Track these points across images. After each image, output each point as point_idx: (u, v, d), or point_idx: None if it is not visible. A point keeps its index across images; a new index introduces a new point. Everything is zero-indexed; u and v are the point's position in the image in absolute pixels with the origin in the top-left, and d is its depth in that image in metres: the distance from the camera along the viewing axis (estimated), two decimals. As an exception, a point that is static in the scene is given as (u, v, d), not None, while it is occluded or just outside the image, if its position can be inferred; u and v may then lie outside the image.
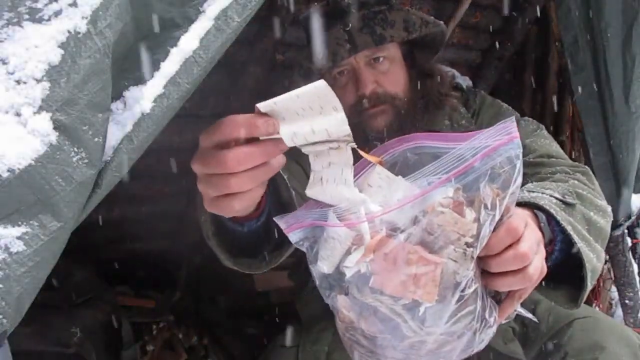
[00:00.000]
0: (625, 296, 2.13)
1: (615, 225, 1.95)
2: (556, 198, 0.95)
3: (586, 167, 1.22)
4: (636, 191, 1.90)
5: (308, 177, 0.76)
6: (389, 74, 1.27)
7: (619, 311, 2.32)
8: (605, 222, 1.05)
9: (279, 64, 2.07)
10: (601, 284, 2.60)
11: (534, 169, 1.20)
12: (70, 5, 0.59)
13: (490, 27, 2.63)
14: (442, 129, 1.31)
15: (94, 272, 1.81)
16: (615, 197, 1.86)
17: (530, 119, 1.36)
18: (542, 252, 0.79)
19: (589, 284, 0.91)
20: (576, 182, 1.10)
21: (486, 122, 1.33)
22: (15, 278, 0.57)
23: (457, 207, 0.69)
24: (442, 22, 1.30)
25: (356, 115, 1.24)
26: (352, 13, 1.21)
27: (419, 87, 1.31)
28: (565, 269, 0.91)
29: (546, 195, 0.95)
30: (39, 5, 0.59)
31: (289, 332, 1.37)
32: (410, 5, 2.21)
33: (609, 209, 1.10)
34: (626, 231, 2.01)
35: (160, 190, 2.17)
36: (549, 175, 1.15)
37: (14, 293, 0.57)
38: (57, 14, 0.59)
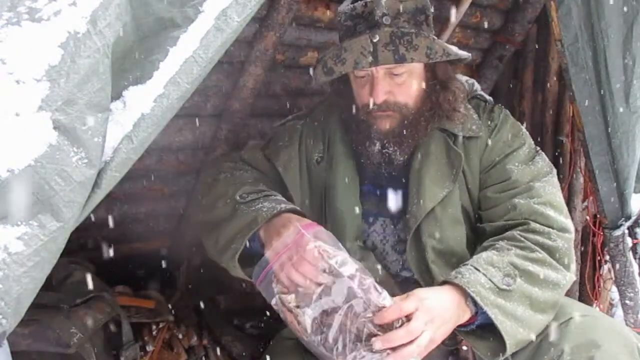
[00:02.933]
0: (625, 296, 2.13)
1: (615, 226, 1.95)
2: (493, 282, 1.17)
3: (572, 231, 1.32)
4: (636, 191, 1.90)
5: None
6: (404, 85, 1.32)
7: (619, 311, 2.32)
8: (553, 293, 1.22)
9: (278, 64, 2.07)
10: (601, 284, 2.61)
11: (530, 215, 1.29)
12: (69, 5, 0.59)
13: (491, 27, 2.63)
14: (455, 130, 1.39)
15: (94, 272, 1.80)
16: (615, 197, 1.86)
17: (546, 158, 1.41)
18: (435, 328, 1.10)
19: (509, 350, 1.15)
20: (541, 255, 1.24)
21: (504, 139, 1.40)
22: (14, 278, 0.57)
23: None
24: (464, 54, 1.35)
25: (365, 113, 1.35)
26: (382, 26, 1.26)
27: (430, 98, 1.37)
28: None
29: (486, 277, 1.17)
30: (39, 5, 0.59)
31: None
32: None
33: (566, 278, 1.25)
34: (626, 231, 2.01)
35: (160, 190, 2.16)
36: (527, 233, 1.27)
37: (14, 293, 0.57)
38: (57, 14, 0.59)
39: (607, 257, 2.28)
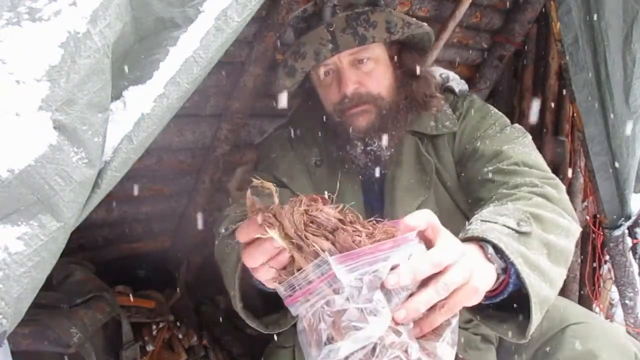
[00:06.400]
0: (625, 296, 2.13)
1: (615, 226, 1.95)
2: (509, 227, 0.92)
3: (557, 179, 1.19)
4: (636, 191, 1.90)
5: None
6: (372, 74, 1.27)
7: (619, 311, 2.32)
8: (567, 242, 1.01)
9: (278, 64, 2.07)
10: (601, 284, 2.61)
11: (505, 177, 1.16)
12: (69, 5, 0.59)
13: (491, 27, 2.63)
14: (427, 129, 1.32)
15: (94, 272, 1.81)
16: (615, 197, 1.86)
17: (519, 126, 1.31)
18: (468, 267, 0.75)
19: (534, 316, 0.87)
20: (540, 199, 1.06)
21: (471, 125, 1.31)
22: (14, 278, 0.57)
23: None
24: (425, 24, 1.29)
25: (339, 114, 1.27)
26: (337, 14, 1.24)
27: (404, 88, 1.32)
28: (515, 300, 0.90)
29: (498, 224, 0.92)
30: (39, 5, 0.59)
31: (286, 333, 1.37)
32: (411, 5, 2.21)
33: (574, 225, 1.06)
34: (626, 231, 2.01)
35: (160, 190, 2.17)
36: (514, 189, 1.12)
37: (14, 293, 0.57)
38: (57, 13, 0.59)
39: (607, 257, 2.28)
